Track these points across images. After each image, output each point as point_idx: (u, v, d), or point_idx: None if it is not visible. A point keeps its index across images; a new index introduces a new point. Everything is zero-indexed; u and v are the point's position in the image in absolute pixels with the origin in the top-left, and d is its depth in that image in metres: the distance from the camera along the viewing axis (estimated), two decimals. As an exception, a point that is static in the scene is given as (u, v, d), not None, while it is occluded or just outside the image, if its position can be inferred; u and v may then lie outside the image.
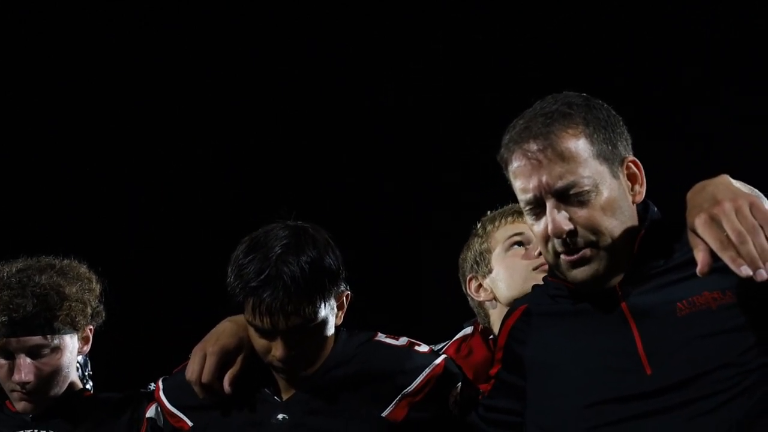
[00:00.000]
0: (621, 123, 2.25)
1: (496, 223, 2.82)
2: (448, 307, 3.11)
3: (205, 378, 2.46)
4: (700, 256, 1.95)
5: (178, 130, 4.92)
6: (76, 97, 4.92)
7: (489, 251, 2.80)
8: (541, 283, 2.43)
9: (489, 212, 2.89)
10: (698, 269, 1.95)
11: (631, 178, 2.23)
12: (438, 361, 2.50)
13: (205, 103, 4.93)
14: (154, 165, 4.91)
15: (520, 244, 2.76)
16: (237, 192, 4.81)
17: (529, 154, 2.16)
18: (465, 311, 2.93)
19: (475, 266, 2.82)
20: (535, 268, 2.68)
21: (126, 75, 4.93)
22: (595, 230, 2.15)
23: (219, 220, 4.60)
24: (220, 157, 4.93)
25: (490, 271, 2.79)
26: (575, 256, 2.16)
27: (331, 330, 2.45)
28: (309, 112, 4.92)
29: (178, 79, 4.92)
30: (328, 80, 4.88)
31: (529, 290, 2.55)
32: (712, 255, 1.95)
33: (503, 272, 2.76)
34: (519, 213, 2.70)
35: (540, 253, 2.61)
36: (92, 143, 4.90)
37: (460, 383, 2.51)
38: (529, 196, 2.18)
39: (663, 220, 2.26)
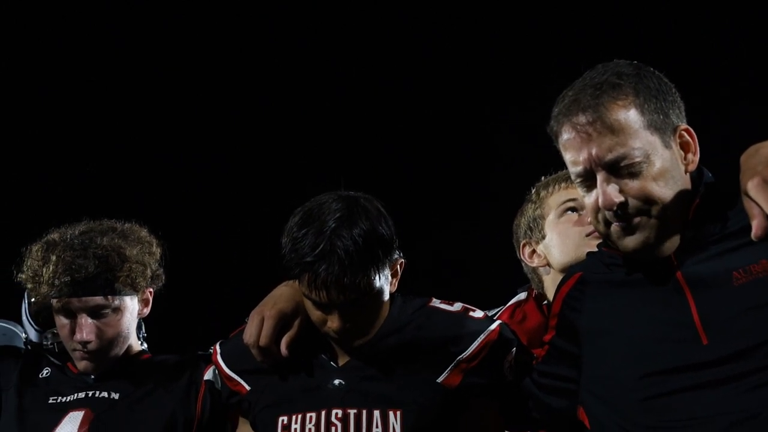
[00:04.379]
0: (673, 90, 2.21)
1: (550, 189, 2.81)
2: (502, 272, 3.11)
3: (262, 341, 2.48)
4: (755, 221, 1.90)
5: (232, 100, 4.96)
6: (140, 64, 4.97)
7: (542, 217, 2.79)
8: (595, 249, 2.42)
9: (543, 178, 2.88)
10: (753, 234, 1.90)
11: (684, 146, 2.19)
12: (493, 326, 2.49)
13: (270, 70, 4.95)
14: (211, 135, 4.96)
15: (573, 210, 2.75)
16: (292, 158, 4.83)
17: (578, 127, 2.13)
18: (519, 277, 2.93)
19: (529, 232, 2.81)
20: (588, 234, 2.67)
21: (178, 45, 4.98)
22: (647, 201, 2.13)
23: (277, 185, 4.63)
24: (271, 125, 4.95)
25: (544, 237, 2.78)
26: (624, 224, 2.14)
27: (386, 298, 2.46)
28: (356, 75, 4.92)
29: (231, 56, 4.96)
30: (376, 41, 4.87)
31: (583, 256, 2.54)
32: None
33: (556, 238, 2.75)
34: (564, 178, 2.70)
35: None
36: (153, 115, 4.96)
37: (514, 349, 2.51)
38: (580, 168, 2.16)
39: (718, 187, 2.22)
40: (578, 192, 2.60)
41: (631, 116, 2.13)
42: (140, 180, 4.96)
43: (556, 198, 2.79)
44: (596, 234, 2.59)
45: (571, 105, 2.16)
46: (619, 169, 2.12)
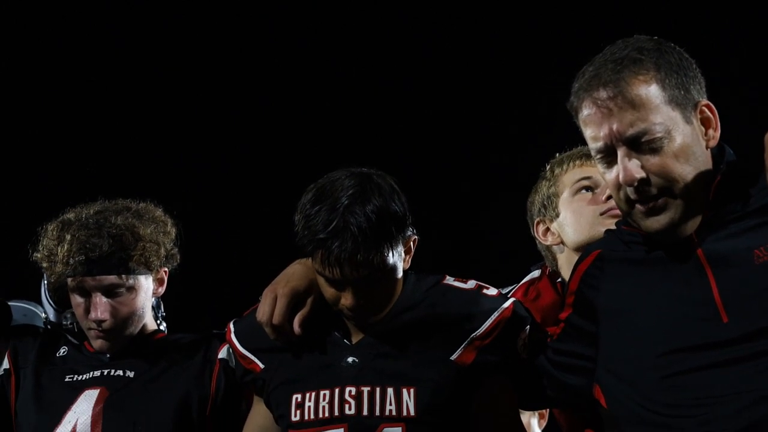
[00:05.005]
0: (694, 66, 2.19)
1: (565, 167, 2.78)
2: (516, 249, 3.10)
3: (276, 319, 2.47)
4: None
5: (247, 83, 4.96)
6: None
7: (557, 195, 2.77)
8: (611, 228, 2.41)
9: (558, 154, 2.85)
10: None
11: (705, 122, 2.18)
12: (507, 304, 2.48)
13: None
14: (224, 116, 4.97)
15: (588, 188, 2.72)
16: (306, 135, 4.84)
17: (599, 102, 2.12)
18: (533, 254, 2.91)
19: (543, 210, 2.79)
20: (602, 213, 2.65)
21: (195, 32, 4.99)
22: (668, 177, 2.11)
23: (291, 163, 4.64)
24: (285, 103, 4.96)
25: (558, 215, 2.75)
26: (650, 205, 2.13)
27: (399, 275, 2.45)
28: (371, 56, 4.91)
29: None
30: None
31: (597, 236, 2.53)
32: None
33: (570, 217, 2.73)
34: (588, 156, 2.64)
35: (608, 198, 2.58)
36: (164, 93, 4.97)
37: (528, 326, 2.50)
38: (600, 144, 2.15)
39: (739, 165, 2.21)
40: (593, 170, 2.60)
41: (652, 91, 2.11)
42: (154, 159, 4.97)
43: (570, 176, 2.76)
44: (611, 213, 2.59)
45: (591, 80, 2.15)
46: (640, 144, 2.11)
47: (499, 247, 4.52)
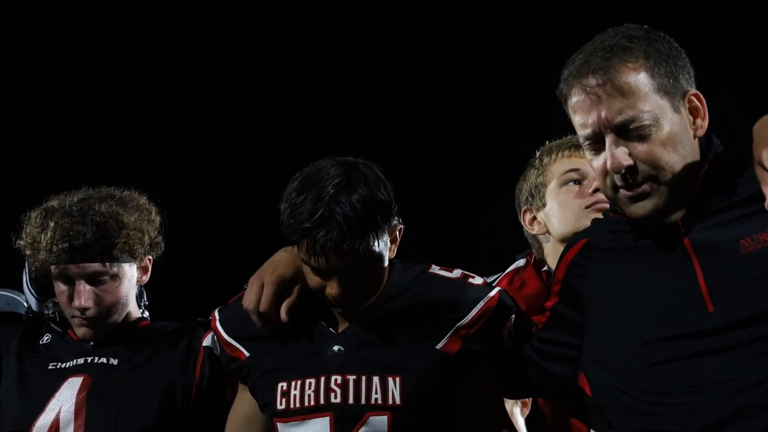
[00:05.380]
0: (683, 55, 2.20)
1: (553, 156, 2.77)
2: (502, 238, 3.09)
3: (263, 307, 2.47)
4: (767, 190, 1.92)
5: (234, 72, 4.95)
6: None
7: (544, 185, 2.76)
8: (598, 219, 2.41)
9: (547, 142, 2.85)
10: (767, 203, 1.92)
11: (693, 111, 2.19)
12: (492, 293, 2.49)
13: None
14: (209, 105, 4.95)
15: (576, 181, 2.71)
16: (292, 124, 4.83)
17: (588, 89, 2.13)
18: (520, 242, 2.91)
19: (530, 198, 2.78)
20: (587, 207, 2.65)
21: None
22: (655, 165, 2.12)
23: (275, 151, 4.63)
24: (272, 91, 4.95)
25: (545, 205, 2.75)
26: (635, 191, 2.14)
27: (385, 264, 2.45)
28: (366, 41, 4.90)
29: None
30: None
31: (581, 228, 2.53)
32: None
33: (557, 208, 2.72)
34: (577, 147, 2.65)
35: (594, 191, 2.59)
36: (151, 86, 4.95)
37: (513, 315, 2.50)
38: (588, 131, 2.15)
39: (726, 155, 2.22)
40: (582, 161, 2.60)
41: (641, 79, 2.12)
42: (139, 147, 4.95)
43: (558, 166, 2.75)
44: (596, 207, 2.59)
45: (581, 67, 2.16)
46: (628, 131, 2.12)
47: (484, 234, 4.53)
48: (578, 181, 2.71)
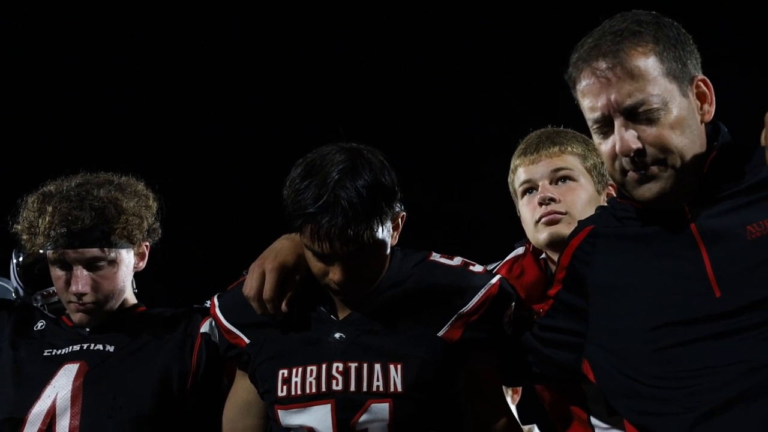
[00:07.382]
0: (691, 41, 2.21)
1: (517, 162, 2.76)
2: (501, 226, 3.09)
3: (265, 294, 2.45)
4: None
5: (227, 62, 4.93)
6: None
7: (515, 192, 2.78)
8: (545, 235, 2.49)
9: (520, 140, 2.82)
10: None
11: (701, 97, 2.20)
12: (493, 281, 2.49)
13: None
14: (206, 91, 4.93)
15: (530, 190, 2.71)
16: (293, 108, 4.82)
17: (597, 72, 2.14)
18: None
19: (514, 196, 2.81)
20: (537, 221, 2.64)
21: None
22: (663, 148, 2.13)
23: (277, 136, 4.61)
24: (269, 76, 4.93)
25: (519, 209, 2.78)
26: (642, 173, 2.15)
27: (387, 251, 2.44)
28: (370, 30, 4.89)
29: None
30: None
31: (539, 241, 2.59)
32: None
33: (522, 216, 2.75)
34: (529, 151, 2.69)
35: (541, 202, 2.60)
36: (151, 65, 4.93)
37: (514, 303, 2.51)
38: (598, 114, 2.16)
39: (734, 142, 2.23)
40: (531, 169, 2.65)
41: (650, 63, 2.13)
42: (137, 132, 4.92)
43: (518, 175, 2.75)
44: (544, 221, 2.60)
45: (591, 51, 2.16)
46: (637, 115, 2.13)
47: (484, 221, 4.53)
48: (531, 190, 2.71)
